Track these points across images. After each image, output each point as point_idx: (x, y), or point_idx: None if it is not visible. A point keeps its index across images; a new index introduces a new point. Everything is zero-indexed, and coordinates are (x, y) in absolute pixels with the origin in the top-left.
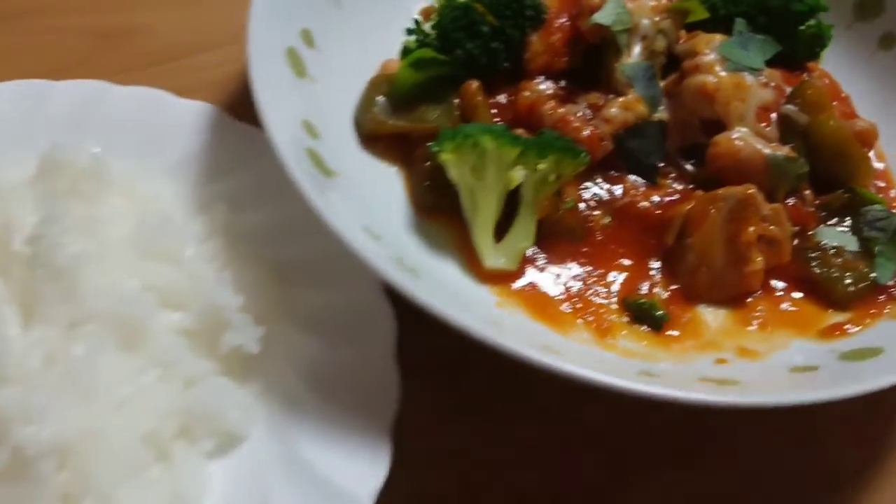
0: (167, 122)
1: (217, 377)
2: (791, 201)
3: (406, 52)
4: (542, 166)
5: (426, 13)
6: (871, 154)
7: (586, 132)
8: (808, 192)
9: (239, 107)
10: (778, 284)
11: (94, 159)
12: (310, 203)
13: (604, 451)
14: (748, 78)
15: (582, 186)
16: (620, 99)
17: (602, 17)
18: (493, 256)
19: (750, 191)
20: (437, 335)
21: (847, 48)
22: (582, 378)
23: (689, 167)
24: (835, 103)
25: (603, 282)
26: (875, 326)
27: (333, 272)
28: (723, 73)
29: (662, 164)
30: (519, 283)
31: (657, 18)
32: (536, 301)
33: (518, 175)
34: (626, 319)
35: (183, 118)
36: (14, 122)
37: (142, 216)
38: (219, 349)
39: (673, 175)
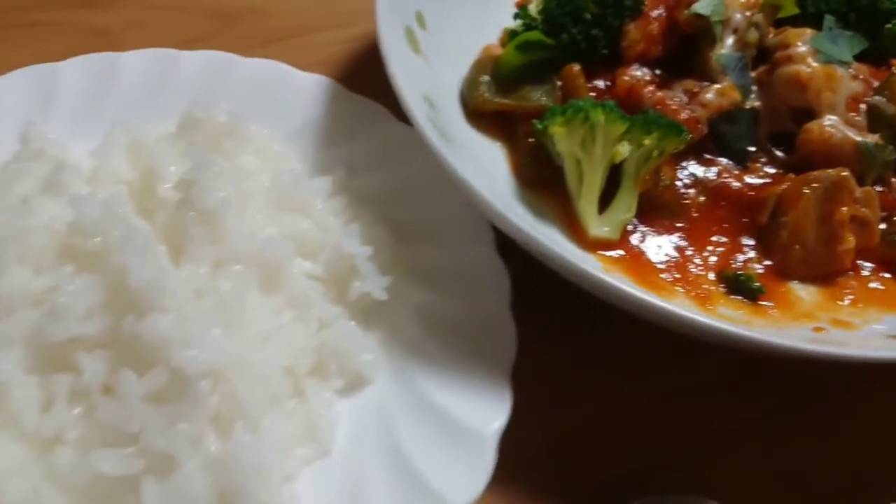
0: (288, 92)
1: (347, 321)
2: (878, 188)
3: (512, 35)
4: (647, 142)
5: (522, 2)
6: None
7: (684, 115)
8: (894, 179)
9: (353, 80)
10: (866, 265)
11: (233, 117)
12: (442, 159)
13: (708, 405)
14: (839, 69)
15: (678, 166)
16: (716, 86)
17: (701, 7)
18: (598, 226)
19: (844, 173)
20: (548, 290)
21: None
22: (707, 328)
23: (778, 153)
24: None
25: (699, 255)
26: None
27: (448, 231)
28: (815, 64)
29: (753, 150)
30: (620, 253)
31: (748, 13)
32: (638, 269)
33: (624, 149)
34: (722, 290)
35: (302, 89)
36: (148, 85)
37: (275, 172)
38: (347, 296)
39: (763, 160)
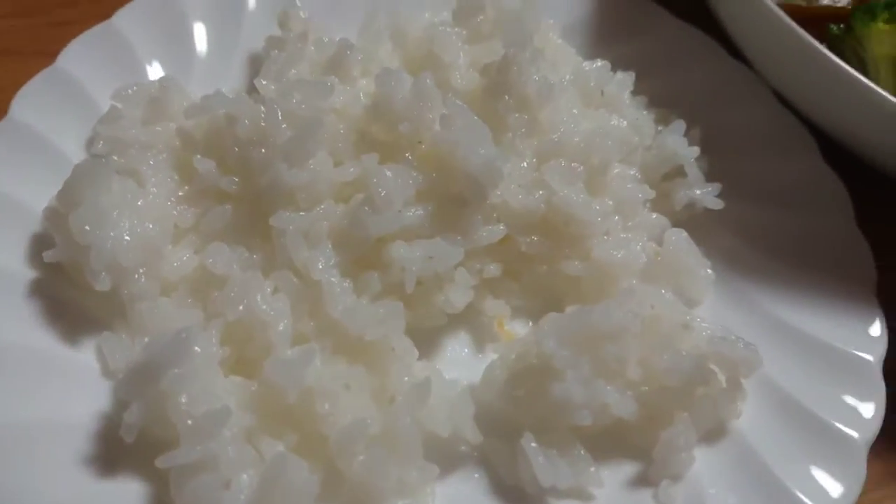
0: None
1: (680, 232)
2: None
3: None
4: None
5: None
6: None
7: None
8: None
9: None
10: None
11: (525, 1)
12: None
13: None
14: None
15: None
16: None
17: None
18: None
19: None
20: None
21: None
22: None
23: None
24: None
25: None
26: None
27: (765, 140)
28: None
29: None
30: None
31: None
32: None
33: None
34: None
35: None
36: None
37: (575, 64)
38: (670, 203)
39: None
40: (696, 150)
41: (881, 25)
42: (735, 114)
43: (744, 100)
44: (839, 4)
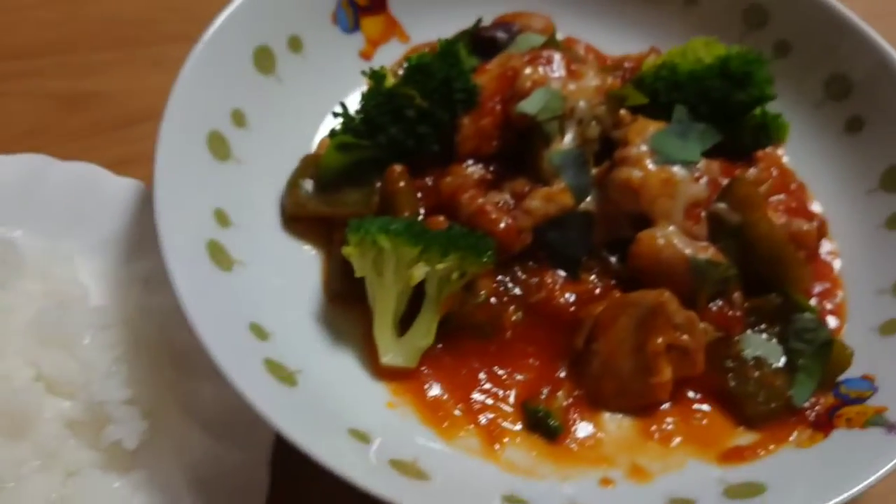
0: (99, 199)
1: (94, 469)
2: (719, 303)
3: (334, 134)
4: (442, 266)
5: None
6: (824, 250)
7: (503, 224)
8: (736, 294)
9: None
10: (694, 395)
11: (4, 245)
12: (182, 306)
13: None
14: (678, 173)
15: (498, 278)
16: (543, 190)
17: (528, 105)
18: (390, 353)
19: (662, 298)
20: None
21: (815, 127)
22: None
23: (613, 261)
24: (783, 196)
25: (504, 383)
26: (774, 455)
27: None
28: (651, 167)
29: (586, 258)
30: (415, 382)
31: (594, 102)
32: (428, 402)
33: (419, 273)
34: (520, 426)
35: (114, 195)
36: None
37: (45, 303)
38: (101, 441)
39: (597, 269)
40: (126, 393)
41: (350, 249)
42: None
43: None
44: (356, 208)
